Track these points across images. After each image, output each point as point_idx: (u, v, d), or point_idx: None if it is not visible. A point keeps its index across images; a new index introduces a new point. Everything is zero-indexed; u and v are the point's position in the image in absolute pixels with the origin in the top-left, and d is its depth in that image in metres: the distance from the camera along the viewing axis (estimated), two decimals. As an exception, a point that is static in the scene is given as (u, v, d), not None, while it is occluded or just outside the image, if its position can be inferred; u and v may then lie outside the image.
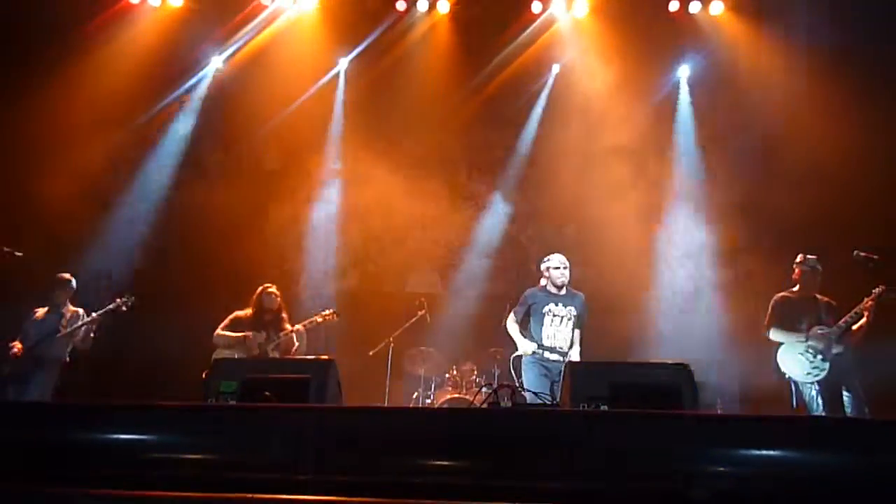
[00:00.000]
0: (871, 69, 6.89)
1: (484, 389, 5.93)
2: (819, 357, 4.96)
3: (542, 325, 5.36)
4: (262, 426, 2.35)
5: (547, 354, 5.27)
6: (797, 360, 5.01)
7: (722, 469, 2.17)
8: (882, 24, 6.79)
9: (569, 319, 5.42)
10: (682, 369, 3.31)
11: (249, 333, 5.60)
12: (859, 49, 6.90)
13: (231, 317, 5.77)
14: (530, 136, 8.12)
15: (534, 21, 7.79)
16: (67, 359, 5.85)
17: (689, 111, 7.90)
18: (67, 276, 6.02)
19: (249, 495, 2.04)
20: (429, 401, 6.52)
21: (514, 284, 7.06)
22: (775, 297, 5.33)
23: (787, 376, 5.05)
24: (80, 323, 5.86)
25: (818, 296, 5.25)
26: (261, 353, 5.57)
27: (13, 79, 7.11)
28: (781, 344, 5.12)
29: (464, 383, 6.55)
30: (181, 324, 6.62)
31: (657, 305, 7.11)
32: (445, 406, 6.27)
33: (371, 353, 6.54)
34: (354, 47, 8.04)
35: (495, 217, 8.00)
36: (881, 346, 5.01)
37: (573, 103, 7.95)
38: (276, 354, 5.64)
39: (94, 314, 5.89)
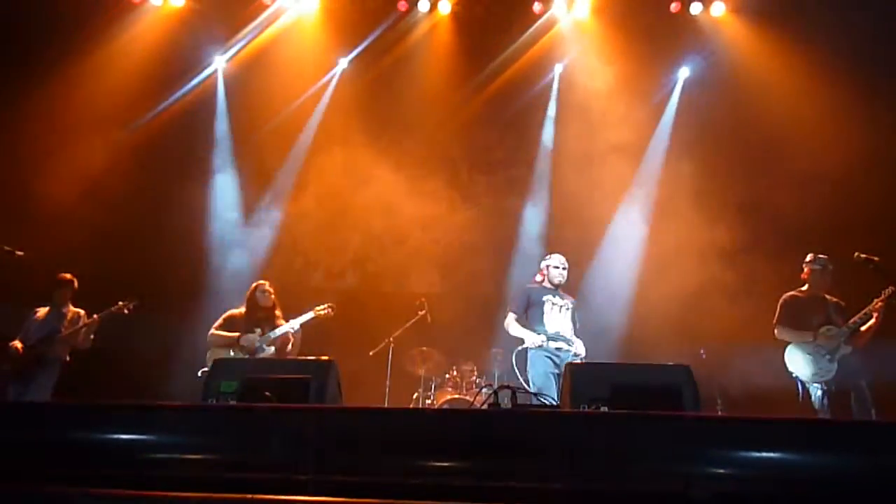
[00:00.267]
0: (874, 70, 6.89)
1: (484, 390, 5.94)
2: (827, 358, 4.91)
3: (544, 313, 5.36)
4: (262, 426, 2.35)
5: (552, 345, 5.25)
6: (805, 360, 4.97)
7: (723, 471, 2.17)
8: (882, 24, 6.79)
9: (567, 309, 5.46)
10: (683, 370, 3.30)
11: (238, 334, 5.57)
12: (860, 50, 6.90)
13: (225, 315, 5.74)
14: (531, 137, 8.12)
15: (535, 22, 7.80)
16: (68, 359, 5.86)
17: (691, 111, 7.90)
18: (69, 276, 6.03)
19: (249, 496, 2.03)
20: (429, 401, 6.50)
21: (514, 285, 7.06)
22: (784, 296, 5.28)
23: (794, 375, 5.02)
24: (80, 323, 5.86)
25: (827, 296, 5.20)
26: (255, 350, 5.55)
27: (14, 78, 7.12)
28: (789, 343, 5.08)
29: (464, 384, 6.54)
30: (181, 324, 6.62)
31: (658, 306, 7.10)
32: (445, 407, 6.26)
33: (371, 354, 6.54)
34: (355, 47, 8.04)
35: (496, 217, 7.99)
36: (889, 348, 4.99)
37: (574, 103, 7.96)
38: (272, 349, 5.62)
39: (94, 315, 5.90)
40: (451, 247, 7.65)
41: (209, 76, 8.03)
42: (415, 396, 6.61)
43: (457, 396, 6.37)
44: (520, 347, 5.33)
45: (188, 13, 7.69)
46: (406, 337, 6.64)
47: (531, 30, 7.82)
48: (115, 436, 2.34)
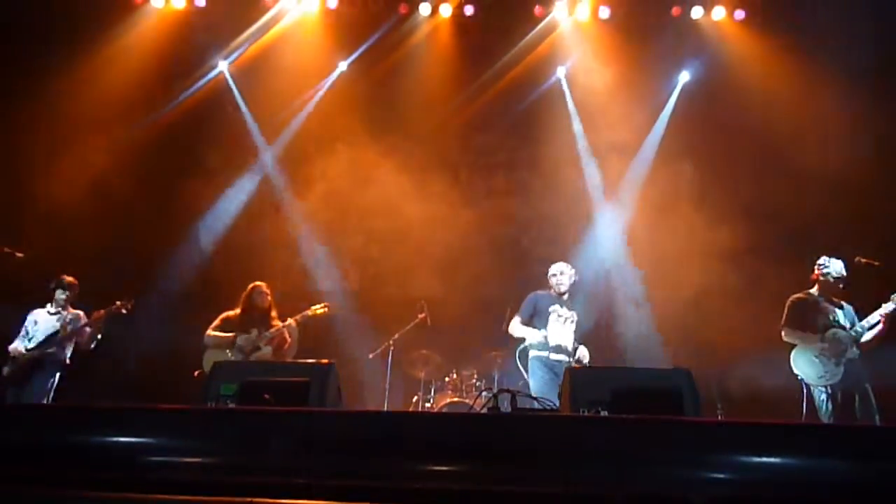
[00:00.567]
0: (874, 71, 6.89)
1: (484, 394, 5.94)
2: (833, 361, 4.89)
3: (548, 323, 5.37)
4: (261, 429, 2.34)
5: (552, 355, 5.25)
6: (811, 363, 4.93)
7: (723, 476, 2.15)
8: (884, 24, 6.80)
9: (572, 322, 5.45)
10: (684, 374, 3.29)
11: (232, 335, 5.56)
12: (861, 53, 6.90)
13: (221, 317, 5.75)
14: (532, 139, 8.12)
15: (536, 25, 7.80)
16: (68, 360, 5.86)
17: (692, 113, 7.89)
18: (70, 277, 6.03)
19: (248, 499, 2.03)
20: (429, 404, 6.50)
21: (515, 287, 7.04)
22: (791, 298, 5.23)
23: (799, 377, 4.99)
24: (81, 324, 5.86)
25: (835, 299, 5.17)
26: (252, 350, 5.54)
27: (15, 79, 7.12)
28: (795, 346, 5.05)
29: (464, 387, 6.52)
30: (181, 324, 6.61)
31: (660, 308, 7.10)
32: (445, 410, 6.25)
33: (371, 356, 6.54)
34: (356, 50, 8.05)
35: (497, 219, 7.99)
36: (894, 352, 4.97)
37: (575, 106, 7.97)
38: (269, 350, 5.62)
39: (100, 311, 5.90)
40: (451, 249, 7.64)
41: (213, 78, 8.04)
42: (414, 399, 6.60)
43: (457, 400, 6.36)
44: (522, 346, 5.37)
45: (191, 15, 7.71)
46: (406, 340, 6.64)
47: (532, 33, 7.83)
48: (114, 438, 2.33)
